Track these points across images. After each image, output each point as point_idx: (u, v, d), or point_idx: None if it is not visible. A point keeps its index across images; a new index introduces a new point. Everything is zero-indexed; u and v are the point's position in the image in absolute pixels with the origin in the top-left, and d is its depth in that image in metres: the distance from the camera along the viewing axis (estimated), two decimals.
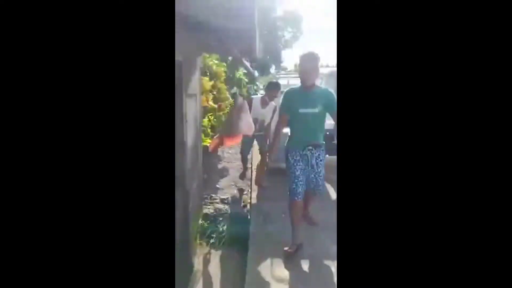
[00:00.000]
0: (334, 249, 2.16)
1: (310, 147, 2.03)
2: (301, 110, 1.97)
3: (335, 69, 5.98)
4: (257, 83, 9.98)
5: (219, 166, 3.95)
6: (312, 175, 2.08)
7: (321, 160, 2.08)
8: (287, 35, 18.79)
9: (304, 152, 2.04)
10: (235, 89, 3.38)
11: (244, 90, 6.15)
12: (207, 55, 3.25)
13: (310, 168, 2.06)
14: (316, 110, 1.96)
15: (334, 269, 1.96)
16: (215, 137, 2.64)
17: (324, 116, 2.03)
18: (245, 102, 2.35)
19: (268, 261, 2.03)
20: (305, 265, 1.99)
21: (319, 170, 2.07)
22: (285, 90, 2.17)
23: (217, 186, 3.27)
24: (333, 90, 1.96)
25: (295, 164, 2.03)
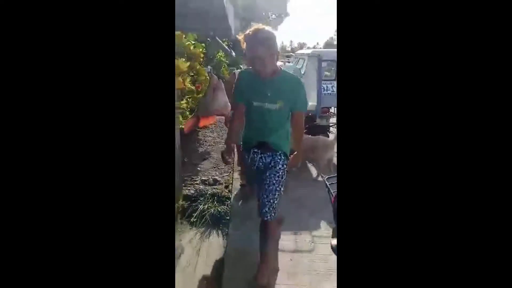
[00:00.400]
0: (312, 221, 2.27)
1: (256, 150, 1.51)
2: (256, 103, 1.47)
3: (319, 50, 5.71)
4: (241, 66, 9.85)
5: (200, 150, 3.96)
6: (261, 188, 1.53)
7: (276, 172, 1.49)
8: (272, 16, 18.39)
9: (251, 155, 1.54)
10: (209, 68, 3.33)
11: (226, 72, 6.06)
12: (184, 36, 3.18)
13: (260, 178, 1.54)
14: (276, 105, 1.44)
15: (309, 237, 2.09)
16: (190, 117, 2.63)
17: (288, 114, 1.51)
18: (220, 81, 2.33)
19: (248, 235, 2.11)
20: (284, 236, 2.08)
21: (267, 183, 1.49)
22: (240, 71, 1.68)
23: (198, 168, 3.30)
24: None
25: (247, 168, 1.67)
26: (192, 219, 2.37)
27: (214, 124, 4.55)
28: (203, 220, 2.37)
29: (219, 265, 1.90)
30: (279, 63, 1.62)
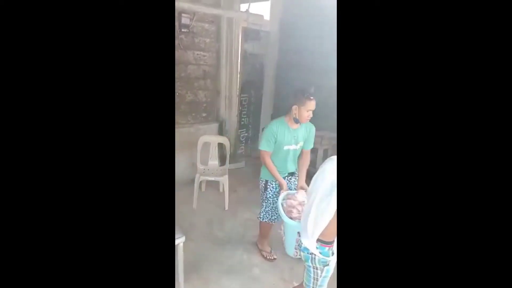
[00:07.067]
0: None
1: (287, 175, 2.07)
2: (286, 147, 1.96)
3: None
4: None
5: None
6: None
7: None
8: None
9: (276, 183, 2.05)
10: None
11: None
12: None
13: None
14: (298, 146, 1.98)
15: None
16: None
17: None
18: None
19: None
20: None
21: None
22: (271, 123, 1.96)
23: None
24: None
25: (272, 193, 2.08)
26: None
27: None
28: None
29: None
30: None
